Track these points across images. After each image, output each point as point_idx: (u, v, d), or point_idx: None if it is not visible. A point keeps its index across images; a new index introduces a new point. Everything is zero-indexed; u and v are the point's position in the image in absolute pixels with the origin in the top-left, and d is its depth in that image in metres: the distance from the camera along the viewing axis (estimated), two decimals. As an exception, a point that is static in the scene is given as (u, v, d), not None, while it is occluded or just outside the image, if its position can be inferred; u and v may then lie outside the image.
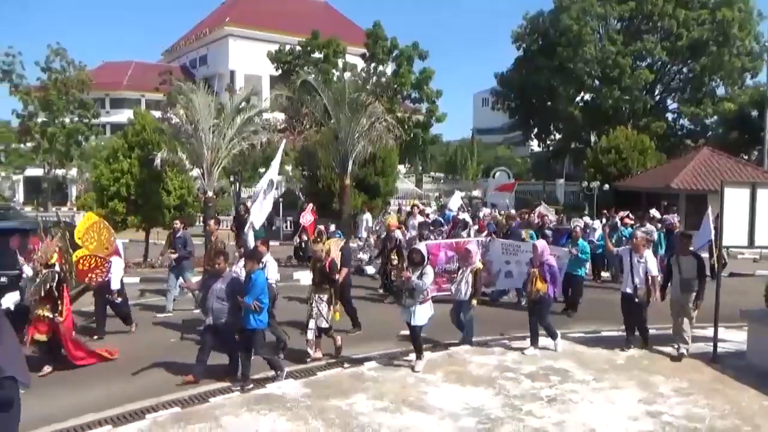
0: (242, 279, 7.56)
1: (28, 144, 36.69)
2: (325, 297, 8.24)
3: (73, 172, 40.09)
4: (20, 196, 42.57)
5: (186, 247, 11.31)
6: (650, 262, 8.55)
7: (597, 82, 41.00)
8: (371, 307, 11.81)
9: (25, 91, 34.51)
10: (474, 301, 8.78)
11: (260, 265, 7.59)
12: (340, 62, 36.50)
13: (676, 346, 8.54)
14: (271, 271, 8.56)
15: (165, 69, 44.76)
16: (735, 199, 8.28)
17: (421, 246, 8.57)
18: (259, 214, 10.95)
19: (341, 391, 7.01)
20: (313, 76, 21.89)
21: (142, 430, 5.98)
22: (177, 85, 20.86)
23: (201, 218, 19.32)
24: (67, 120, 35.74)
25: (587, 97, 43.55)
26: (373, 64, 37.39)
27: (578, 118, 40.97)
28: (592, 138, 42.33)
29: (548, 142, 47.86)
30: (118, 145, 21.54)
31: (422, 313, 7.75)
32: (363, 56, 38.00)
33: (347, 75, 32.49)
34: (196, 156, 17.99)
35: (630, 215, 16.48)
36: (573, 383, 7.43)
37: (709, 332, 8.72)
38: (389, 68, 38.74)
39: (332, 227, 11.83)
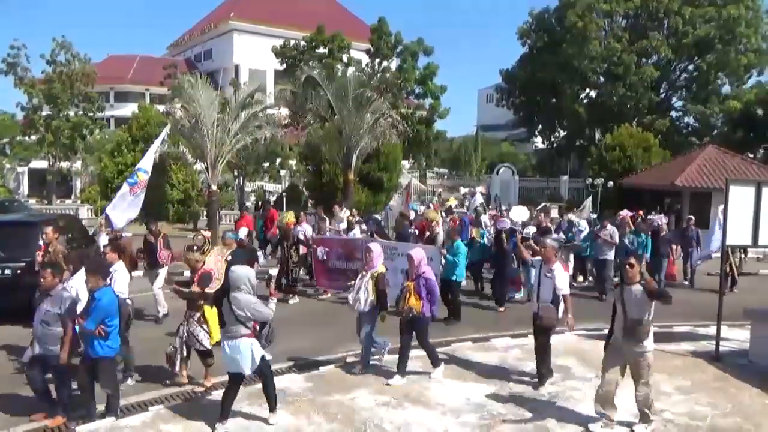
0: (76, 296, 6.35)
1: (33, 137, 36.71)
2: (197, 315, 6.94)
3: (78, 165, 40.16)
4: (25, 189, 42.68)
5: None
6: (559, 276, 6.98)
7: (602, 79, 40.92)
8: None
9: (30, 84, 34.49)
10: (383, 314, 7.42)
11: (107, 280, 6.28)
12: (344, 57, 36.43)
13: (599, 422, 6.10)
14: (120, 283, 6.93)
15: (170, 63, 44.75)
16: (740, 197, 8.25)
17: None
18: (121, 211, 9.98)
19: (343, 386, 7.03)
20: (317, 71, 21.87)
21: (145, 422, 6.01)
22: (180, 79, 20.85)
23: (205, 213, 19.34)
24: (71, 113, 35.73)
25: (592, 94, 43.45)
26: (377, 60, 37.30)
27: (583, 115, 40.90)
28: (597, 135, 42.23)
29: (552, 139, 47.81)
30: (123, 138, 21.65)
31: (243, 359, 5.76)
32: (367, 52, 37.91)
33: (351, 70, 32.45)
34: (200, 150, 18.00)
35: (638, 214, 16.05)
36: (575, 380, 7.44)
37: (712, 330, 8.71)
38: (394, 64, 38.64)
39: (234, 233, 10.25)
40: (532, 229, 13.87)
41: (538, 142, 54.30)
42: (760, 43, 38.59)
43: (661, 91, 42.75)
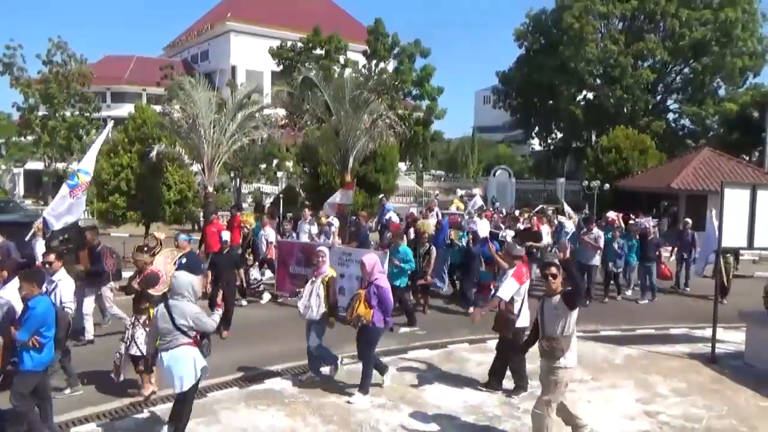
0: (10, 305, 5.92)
1: (29, 137, 36.58)
2: (143, 319, 6.64)
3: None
4: (20, 190, 42.54)
5: None
6: (504, 282, 6.76)
7: (598, 81, 40.97)
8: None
9: (26, 84, 34.36)
10: (332, 319, 7.01)
11: (44, 288, 5.84)
12: (341, 59, 36.44)
13: None
14: (66, 293, 6.49)
15: (166, 63, 44.70)
16: (735, 200, 8.28)
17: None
18: (60, 213, 9.41)
19: (339, 388, 7.02)
20: (314, 72, 21.84)
21: (140, 423, 6.00)
22: (177, 80, 20.82)
23: (201, 214, 19.31)
24: (67, 113, 35.58)
25: (589, 96, 43.55)
26: (374, 61, 37.33)
27: (579, 117, 40.98)
28: (593, 137, 42.33)
29: (549, 141, 47.87)
30: (119, 139, 21.54)
31: (183, 370, 5.24)
32: (364, 53, 37.95)
33: (348, 71, 32.46)
34: (197, 151, 17.96)
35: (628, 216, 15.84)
36: (571, 382, 7.41)
37: (708, 333, 8.74)
38: (390, 65, 38.67)
39: (188, 235, 9.48)
40: (509, 233, 13.64)
41: (535, 144, 54.41)
42: (756, 46, 38.70)
43: (657, 93, 42.88)
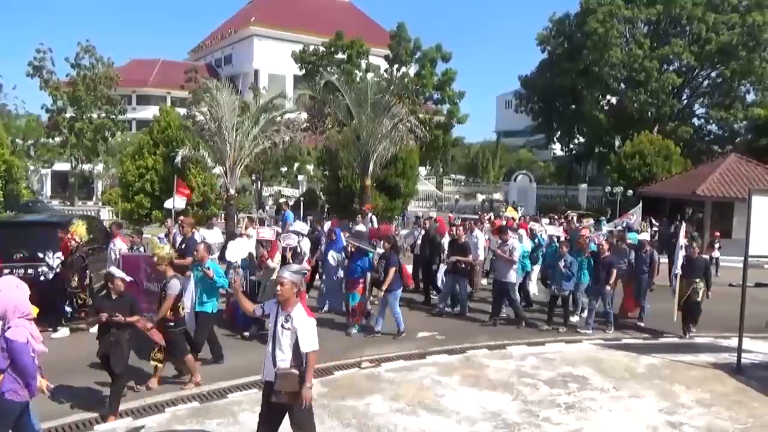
0: None
1: (57, 138, 37.41)
2: None
3: (100, 167, 40.81)
4: (48, 190, 43.44)
5: None
6: (302, 326, 4.55)
7: (623, 85, 40.50)
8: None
9: (55, 87, 35.19)
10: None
11: None
12: (363, 63, 36.61)
13: None
14: None
15: (191, 67, 45.39)
16: (763, 207, 8.12)
17: None
18: None
19: (357, 392, 7.02)
20: (336, 76, 22.01)
21: (161, 423, 6.06)
22: (203, 83, 21.12)
23: (222, 216, 19.52)
24: (94, 116, 36.38)
25: (612, 100, 43.08)
26: (396, 65, 37.42)
27: (603, 122, 40.53)
28: (617, 142, 41.84)
29: (571, 146, 47.45)
30: (144, 141, 21.95)
31: None
32: (386, 57, 38.06)
33: (370, 76, 32.60)
34: (219, 154, 18.19)
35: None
36: (592, 390, 7.35)
37: (734, 342, 8.56)
38: (412, 69, 38.74)
39: None
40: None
41: (557, 148, 53.99)
42: (785, 52, 37.89)
43: (683, 98, 42.24)
